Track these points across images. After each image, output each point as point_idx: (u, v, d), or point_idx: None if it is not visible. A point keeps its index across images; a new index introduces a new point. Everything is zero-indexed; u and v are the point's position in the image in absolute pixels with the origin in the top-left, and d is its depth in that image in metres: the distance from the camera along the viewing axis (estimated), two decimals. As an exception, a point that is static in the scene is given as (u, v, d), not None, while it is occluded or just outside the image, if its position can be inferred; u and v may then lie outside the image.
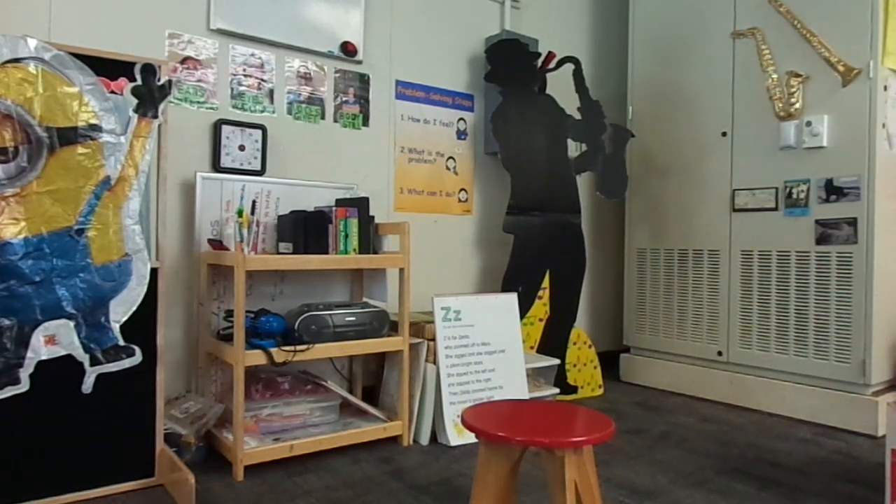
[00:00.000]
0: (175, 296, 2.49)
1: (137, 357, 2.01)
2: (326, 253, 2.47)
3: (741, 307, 3.20)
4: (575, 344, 3.38)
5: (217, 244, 2.47)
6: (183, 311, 2.55)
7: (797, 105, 2.97)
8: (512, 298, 2.91)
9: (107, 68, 1.95)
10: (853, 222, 2.80)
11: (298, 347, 2.27)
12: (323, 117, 2.95)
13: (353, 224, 2.53)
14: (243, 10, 2.68)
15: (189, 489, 1.89)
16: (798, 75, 2.97)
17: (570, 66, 3.41)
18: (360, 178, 3.05)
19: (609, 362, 3.71)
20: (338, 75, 2.99)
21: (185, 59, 2.57)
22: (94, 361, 1.94)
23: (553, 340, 3.31)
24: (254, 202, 2.47)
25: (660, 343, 3.58)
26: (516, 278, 3.20)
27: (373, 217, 2.66)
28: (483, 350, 2.70)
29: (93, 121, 1.91)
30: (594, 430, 1.21)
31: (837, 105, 2.85)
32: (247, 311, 2.27)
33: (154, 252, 2.09)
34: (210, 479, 2.12)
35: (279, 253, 2.58)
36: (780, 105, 3.03)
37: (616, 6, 4.01)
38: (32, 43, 1.82)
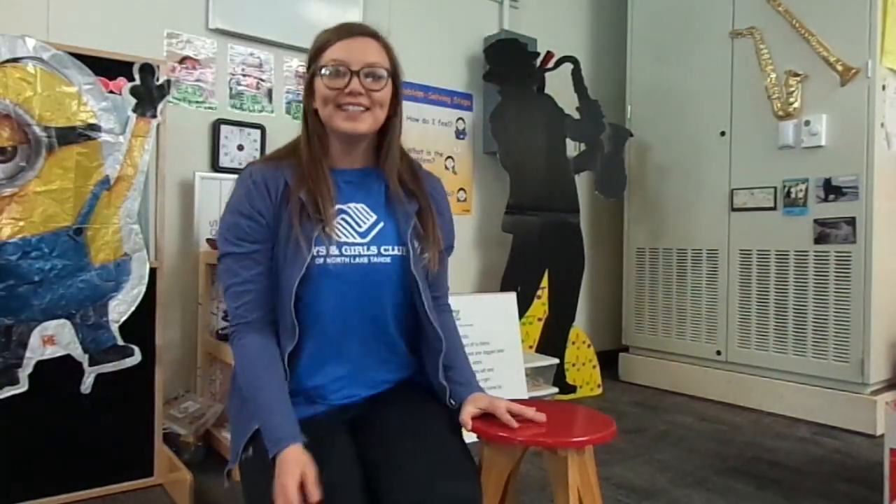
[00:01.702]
0: (174, 296, 2.49)
1: (136, 357, 2.01)
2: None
3: (740, 307, 3.20)
4: (574, 343, 3.38)
5: (216, 244, 2.47)
6: (182, 311, 2.55)
7: (796, 104, 2.97)
8: (511, 298, 2.91)
9: (105, 68, 1.95)
10: (852, 222, 2.80)
11: (297, 347, 2.27)
12: (322, 117, 2.95)
13: (352, 224, 2.53)
14: (242, 9, 2.68)
15: (188, 489, 1.89)
16: (797, 75, 2.97)
17: (568, 66, 3.41)
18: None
19: (608, 362, 3.71)
20: (336, 75, 2.99)
21: (183, 59, 2.57)
22: (93, 361, 1.94)
23: (552, 340, 3.31)
24: (253, 202, 2.47)
25: (658, 342, 3.58)
26: (515, 278, 3.20)
27: (372, 217, 2.66)
28: (482, 349, 2.70)
29: (91, 120, 1.90)
30: (596, 429, 1.21)
31: (836, 104, 2.86)
32: (246, 311, 2.27)
33: (153, 252, 2.09)
34: (209, 478, 2.12)
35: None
36: (779, 104, 3.03)
37: (615, 5, 4.01)
38: (31, 42, 1.82)
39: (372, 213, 1.18)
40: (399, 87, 1.19)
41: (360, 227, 1.16)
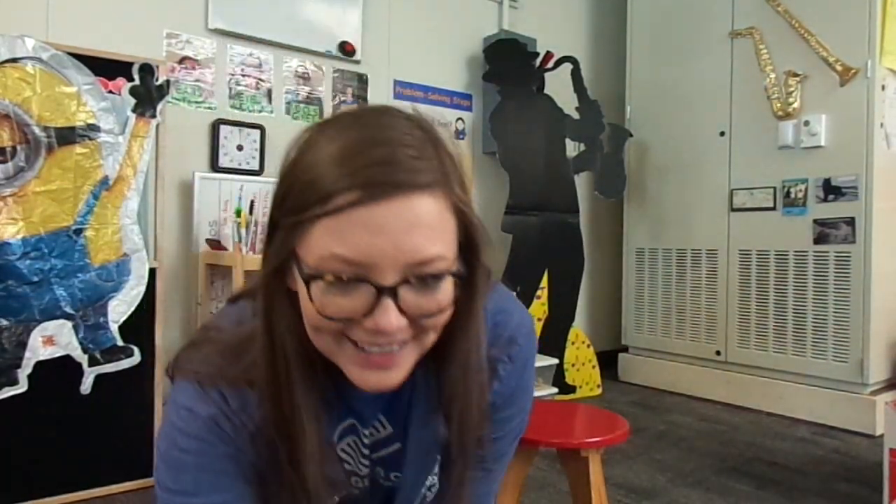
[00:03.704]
0: (173, 296, 2.48)
1: (136, 357, 2.01)
2: (325, 253, 2.46)
3: (739, 307, 3.20)
4: (573, 343, 3.38)
5: (215, 244, 2.47)
6: (181, 312, 2.55)
7: (795, 104, 2.97)
8: (510, 298, 2.90)
9: (105, 68, 1.95)
10: (851, 222, 2.80)
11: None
12: (321, 117, 2.95)
13: (352, 224, 2.52)
14: (241, 9, 2.68)
15: (188, 489, 1.89)
16: (796, 75, 2.97)
17: (568, 66, 3.41)
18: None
19: (607, 362, 3.71)
20: (336, 75, 2.99)
21: (183, 59, 2.57)
22: (93, 362, 1.94)
23: (551, 340, 3.31)
24: (252, 202, 2.47)
25: (658, 343, 3.58)
26: (515, 278, 3.20)
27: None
28: (482, 350, 2.70)
29: (91, 121, 1.90)
30: (611, 429, 1.24)
31: (835, 104, 2.86)
32: (245, 312, 2.26)
33: (152, 252, 2.09)
34: (209, 479, 2.12)
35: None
36: (779, 105, 3.03)
37: (614, 5, 4.01)
38: (30, 43, 1.82)
39: (387, 425, 0.73)
40: (479, 268, 0.61)
41: (366, 440, 0.73)
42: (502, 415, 0.74)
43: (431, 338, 0.60)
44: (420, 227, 0.53)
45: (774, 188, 3.06)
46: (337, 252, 0.52)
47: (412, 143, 0.55)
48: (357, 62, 3.03)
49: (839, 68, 2.83)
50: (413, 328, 0.57)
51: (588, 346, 3.44)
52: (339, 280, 0.53)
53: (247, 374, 0.63)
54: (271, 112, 2.80)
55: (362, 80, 3.07)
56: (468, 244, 0.59)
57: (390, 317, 0.53)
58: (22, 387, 1.84)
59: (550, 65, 3.41)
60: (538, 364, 3.06)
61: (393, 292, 0.53)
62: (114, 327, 1.97)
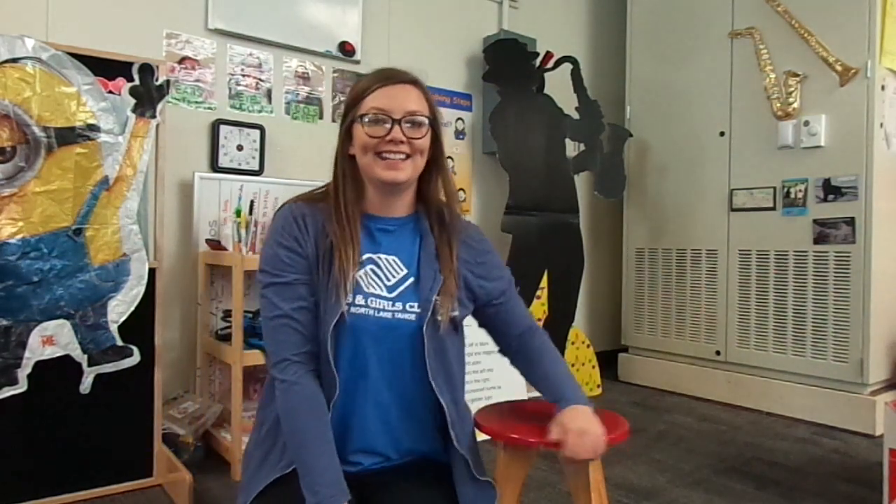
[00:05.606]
0: (173, 296, 2.49)
1: (135, 357, 2.01)
2: (325, 253, 2.46)
3: (739, 307, 3.20)
4: (573, 344, 3.38)
5: (215, 244, 2.47)
6: (181, 312, 2.55)
7: (795, 105, 2.98)
8: (510, 298, 2.90)
9: (105, 68, 1.95)
10: (851, 222, 2.80)
11: (297, 347, 2.26)
12: (321, 117, 2.95)
13: (352, 224, 2.52)
14: (241, 9, 2.68)
15: (187, 489, 1.89)
16: (796, 75, 2.97)
17: (568, 66, 3.41)
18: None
19: (607, 362, 3.71)
20: (336, 75, 2.99)
21: (182, 59, 2.57)
22: (92, 362, 1.94)
23: (551, 340, 3.30)
24: (252, 202, 2.47)
25: (658, 343, 3.58)
26: (514, 278, 3.19)
27: (371, 217, 2.66)
28: (481, 350, 2.70)
29: (91, 121, 1.90)
30: (610, 429, 1.23)
31: (835, 105, 2.86)
32: (245, 311, 2.26)
33: (152, 252, 2.09)
34: (208, 479, 2.12)
35: (277, 253, 2.56)
36: (778, 105, 3.03)
37: (614, 6, 4.01)
38: (30, 43, 1.82)
39: (403, 267, 1.14)
40: (439, 133, 1.16)
41: (388, 280, 1.12)
42: (492, 285, 1.33)
43: (419, 161, 1.12)
44: (411, 96, 1.12)
45: (774, 188, 3.06)
46: (374, 105, 1.09)
47: (410, 74, 1.17)
48: (357, 62, 3.03)
49: (839, 68, 2.83)
50: (409, 147, 1.09)
51: (588, 346, 3.44)
52: (375, 116, 1.08)
53: (324, 197, 1.14)
54: (271, 112, 2.81)
55: (362, 80, 3.06)
56: (434, 122, 1.14)
57: (398, 132, 1.08)
58: (22, 387, 1.84)
59: (550, 65, 3.41)
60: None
61: (399, 122, 1.08)
62: (113, 327, 1.97)
